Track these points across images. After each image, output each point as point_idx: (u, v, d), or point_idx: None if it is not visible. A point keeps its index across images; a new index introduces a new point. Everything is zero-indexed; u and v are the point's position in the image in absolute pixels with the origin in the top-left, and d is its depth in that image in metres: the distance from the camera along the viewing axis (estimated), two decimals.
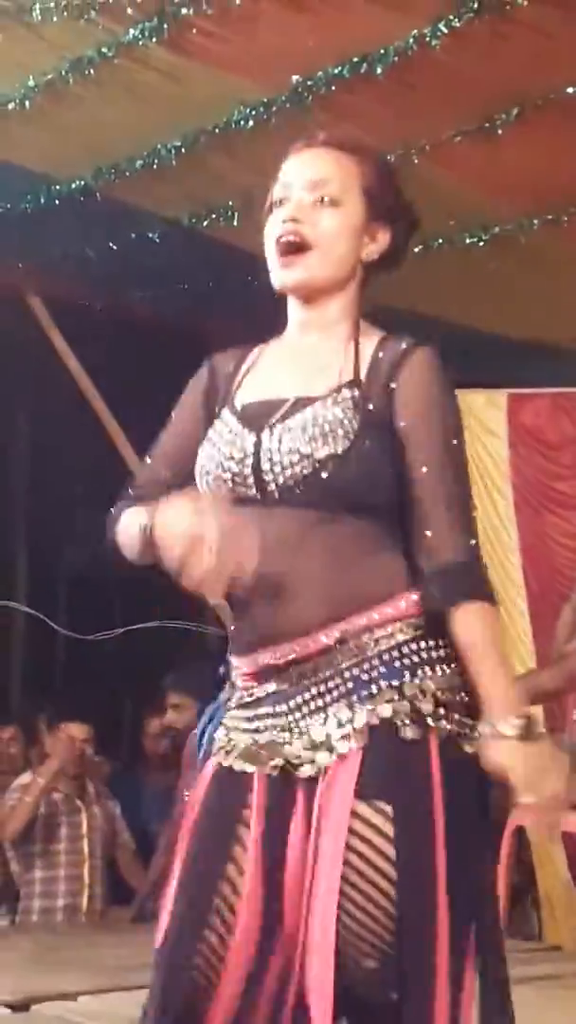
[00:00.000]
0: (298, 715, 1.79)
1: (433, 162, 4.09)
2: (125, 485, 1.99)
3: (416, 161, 4.07)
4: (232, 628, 1.88)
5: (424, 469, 1.78)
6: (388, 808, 1.69)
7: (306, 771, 1.77)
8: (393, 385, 1.80)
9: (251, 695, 1.84)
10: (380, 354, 1.83)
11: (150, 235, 4.52)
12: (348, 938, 1.68)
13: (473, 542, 1.80)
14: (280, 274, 1.87)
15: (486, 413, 5.31)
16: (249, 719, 1.84)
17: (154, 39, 3.52)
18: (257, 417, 1.84)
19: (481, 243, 4.57)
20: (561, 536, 5.05)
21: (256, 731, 1.83)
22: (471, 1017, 1.76)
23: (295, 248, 1.85)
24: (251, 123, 3.93)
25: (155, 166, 4.14)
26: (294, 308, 1.91)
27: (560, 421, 5.16)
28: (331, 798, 1.72)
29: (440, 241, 4.59)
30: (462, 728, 1.74)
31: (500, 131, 3.93)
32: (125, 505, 1.91)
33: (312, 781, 1.76)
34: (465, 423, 5.54)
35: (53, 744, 4.87)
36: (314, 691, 1.78)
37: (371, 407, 1.79)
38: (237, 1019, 1.74)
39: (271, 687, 1.82)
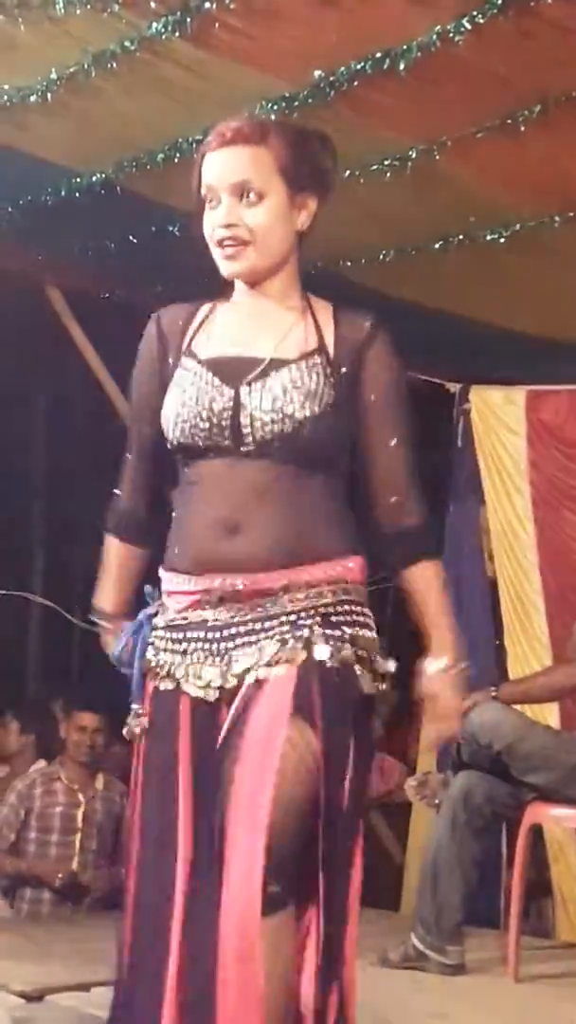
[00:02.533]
0: (230, 644, 2.01)
1: (455, 158, 4.08)
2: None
3: (438, 157, 4.07)
4: (177, 549, 2.08)
5: (394, 441, 2.07)
6: (317, 726, 1.95)
7: (229, 692, 2.00)
8: (361, 361, 2.07)
9: (184, 618, 2.04)
10: (342, 327, 2.10)
11: (170, 228, 4.51)
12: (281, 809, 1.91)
13: (426, 508, 2.12)
14: (225, 266, 2.11)
15: (504, 410, 5.32)
16: (178, 640, 2.04)
17: (177, 33, 3.50)
18: (232, 373, 2.05)
19: (501, 240, 4.54)
20: None
21: (185, 653, 2.03)
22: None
23: (234, 252, 2.09)
24: (273, 118, 3.91)
25: (176, 160, 4.12)
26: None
27: None
28: (262, 713, 1.95)
29: (461, 237, 4.58)
30: (375, 679, 2.04)
31: (523, 128, 3.89)
32: (113, 522, 2.26)
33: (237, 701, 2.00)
34: (483, 419, 5.60)
35: (67, 730, 4.93)
36: (250, 626, 2.00)
37: (341, 376, 2.05)
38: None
39: (208, 614, 2.02)
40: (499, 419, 5.31)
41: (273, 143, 2.11)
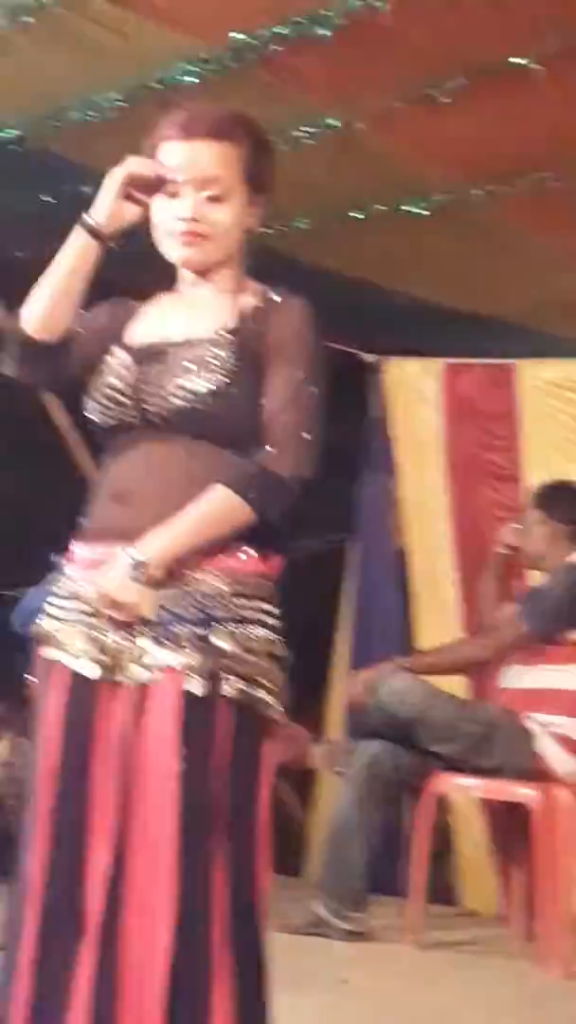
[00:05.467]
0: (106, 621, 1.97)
1: (376, 128, 4.06)
2: None
3: (359, 126, 4.05)
4: (84, 519, 2.07)
5: (274, 398, 2.02)
6: (174, 757, 1.90)
7: (96, 674, 1.96)
8: (265, 329, 2.06)
9: (74, 586, 2.03)
10: (258, 303, 2.10)
11: (85, 189, 4.45)
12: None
13: (290, 473, 1.99)
14: (179, 252, 2.10)
15: (421, 382, 5.32)
16: (64, 609, 2.03)
17: None
18: (146, 353, 2.08)
19: (422, 211, 4.54)
20: (493, 507, 5.07)
21: (67, 621, 2.02)
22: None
23: (189, 242, 2.09)
24: (193, 80, 3.87)
25: (94, 120, 4.07)
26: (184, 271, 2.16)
27: (495, 393, 5.18)
28: (146, 733, 1.93)
29: (381, 208, 4.57)
30: (250, 687, 1.95)
31: (445, 100, 3.89)
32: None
33: (111, 683, 1.96)
34: (399, 391, 5.59)
35: None
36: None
37: (247, 350, 2.04)
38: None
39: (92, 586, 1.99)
40: (416, 391, 5.32)
41: (240, 140, 2.10)
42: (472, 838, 4.77)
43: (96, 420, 2.10)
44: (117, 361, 2.10)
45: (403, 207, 4.55)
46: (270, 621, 2.01)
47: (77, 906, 1.92)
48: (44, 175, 4.42)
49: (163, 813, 1.91)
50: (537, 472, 4.92)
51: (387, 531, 5.26)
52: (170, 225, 2.09)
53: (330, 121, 4.05)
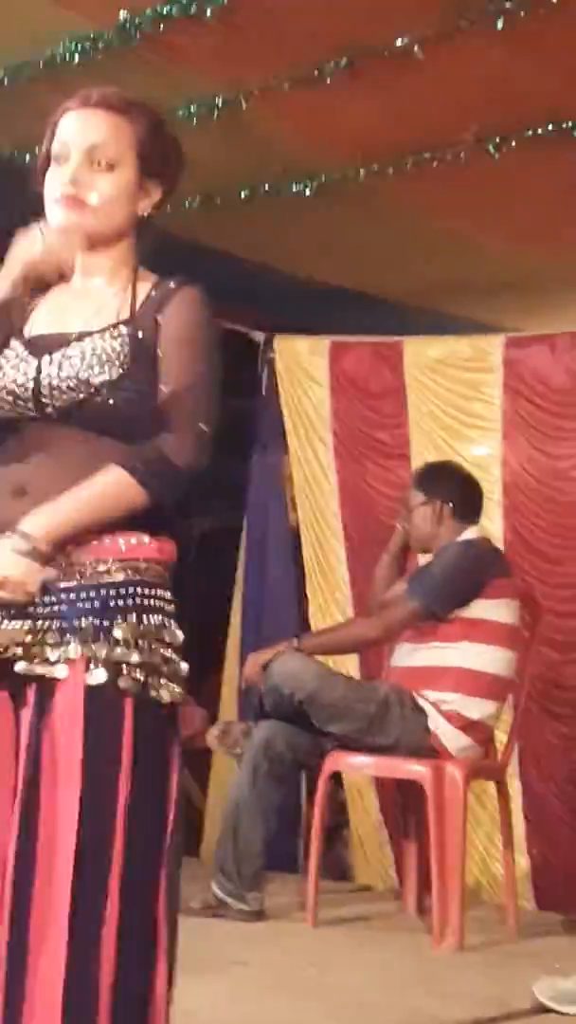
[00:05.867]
0: (3, 612, 1.95)
1: (261, 108, 4.06)
2: None
3: (244, 106, 4.04)
4: None
5: (170, 387, 2.00)
6: (79, 751, 1.89)
7: (17, 668, 1.93)
8: (159, 317, 2.03)
9: None
10: (153, 293, 2.07)
11: None
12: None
13: (185, 462, 1.97)
14: (58, 216, 2.06)
15: (309, 360, 5.34)
16: None
17: None
18: (41, 347, 2.04)
19: (307, 191, 4.55)
20: (381, 485, 5.11)
21: None
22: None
23: (72, 204, 2.05)
24: (77, 58, 3.83)
25: None
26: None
27: (381, 370, 5.21)
28: (53, 728, 1.91)
29: (266, 187, 4.57)
30: (154, 678, 1.94)
31: (329, 80, 3.90)
32: None
33: (10, 676, 1.94)
34: (288, 369, 5.60)
35: None
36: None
37: (140, 339, 2.01)
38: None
39: None
40: (303, 369, 5.33)
41: (136, 118, 2.07)
42: (365, 814, 4.83)
43: None
44: (14, 354, 2.07)
45: (288, 186, 4.57)
46: (168, 608, 2.01)
47: None
48: None
49: (67, 808, 1.90)
50: (424, 450, 4.97)
51: (280, 509, 5.28)
52: (54, 191, 2.06)
53: (217, 101, 4.04)
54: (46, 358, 2.02)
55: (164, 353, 2.02)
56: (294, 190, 4.55)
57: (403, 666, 4.17)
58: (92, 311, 2.07)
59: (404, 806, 4.30)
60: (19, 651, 1.94)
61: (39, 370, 2.02)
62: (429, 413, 5.06)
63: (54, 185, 2.06)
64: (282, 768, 4.04)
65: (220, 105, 4.07)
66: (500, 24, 3.55)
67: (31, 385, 2.01)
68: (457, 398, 5.02)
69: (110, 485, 1.95)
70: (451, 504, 4.27)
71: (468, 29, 3.61)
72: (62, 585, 1.95)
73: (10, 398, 2.03)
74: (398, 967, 3.62)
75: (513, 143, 4.15)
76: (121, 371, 1.99)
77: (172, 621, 2.01)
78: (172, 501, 2.01)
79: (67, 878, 1.88)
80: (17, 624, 1.95)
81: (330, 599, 5.05)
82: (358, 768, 4.29)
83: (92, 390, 1.98)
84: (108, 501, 1.95)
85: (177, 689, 1.98)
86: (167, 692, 1.97)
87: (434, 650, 4.11)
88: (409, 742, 3.98)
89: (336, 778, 4.45)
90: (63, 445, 1.99)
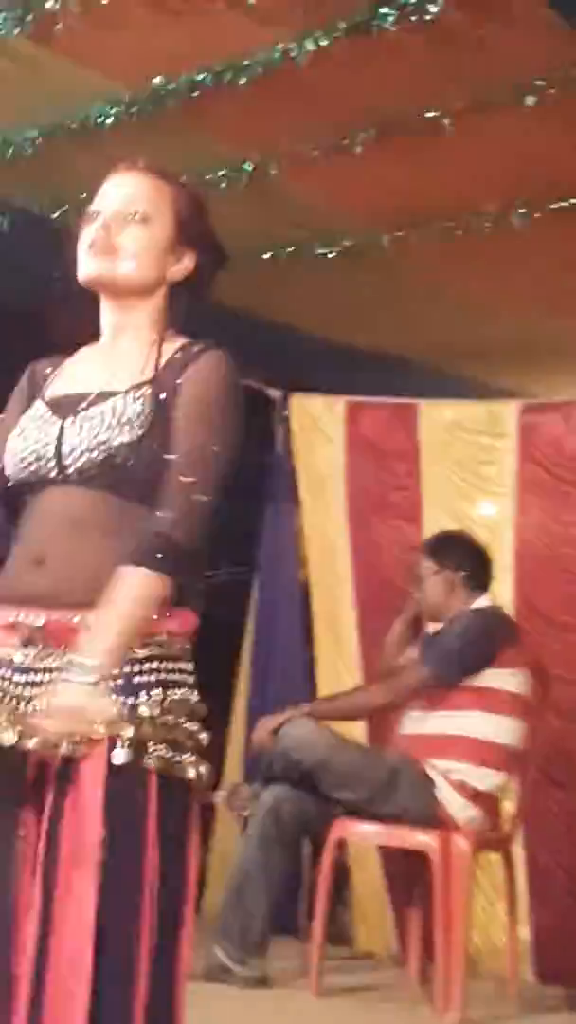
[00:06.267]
0: (32, 691, 1.93)
1: (290, 174, 4.10)
2: None
3: (273, 172, 4.08)
4: (2, 578, 2.02)
5: (175, 456, 1.97)
6: (99, 831, 1.86)
7: (27, 745, 1.88)
8: (179, 381, 2.02)
9: None
10: (178, 355, 2.05)
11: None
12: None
13: (187, 535, 1.94)
14: (85, 266, 2.06)
15: (324, 419, 5.34)
16: None
17: (17, 29, 3.43)
18: (63, 407, 2.04)
19: (330, 254, 4.58)
20: (392, 546, 5.10)
21: None
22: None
23: (102, 250, 2.05)
24: (111, 120, 3.86)
25: (9, 156, 4.05)
26: (105, 312, 2.12)
27: (396, 431, 5.20)
28: (74, 810, 1.88)
29: (289, 250, 4.61)
30: (177, 754, 1.92)
31: (358, 148, 3.94)
32: None
33: (41, 756, 1.90)
34: (303, 428, 5.58)
35: None
36: (53, 676, 1.91)
37: (161, 400, 2.00)
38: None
39: (13, 651, 1.96)
40: (318, 427, 5.34)
41: (177, 186, 2.11)
42: (368, 880, 4.80)
43: (13, 476, 2.05)
44: (37, 414, 2.06)
45: (312, 249, 4.60)
46: (190, 680, 1.99)
47: (8, 972, 1.90)
48: None
49: (87, 885, 1.88)
50: (436, 512, 4.97)
51: (291, 566, 5.27)
52: (84, 241, 2.07)
53: (246, 167, 4.07)
54: (69, 419, 2.01)
55: (176, 418, 2.00)
56: (317, 253, 4.59)
57: (412, 734, 4.15)
58: (116, 370, 2.06)
59: (409, 874, 4.28)
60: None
61: (61, 430, 2.01)
62: (443, 476, 5.06)
63: (86, 236, 2.06)
64: (289, 834, 4.03)
65: (248, 169, 4.11)
66: (530, 100, 3.60)
67: (54, 445, 2.00)
68: (471, 462, 5.02)
69: (138, 587, 1.91)
70: (463, 573, 4.28)
71: (498, 105, 3.66)
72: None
73: (33, 459, 2.02)
74: None
75: (537, 214, 4.20)
76: (141, 432, 1.97)
77: (195, 693, 2.00)
78: (190, 575, 1.98)
79: (88, 959, 1.87)
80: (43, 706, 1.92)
81: (339, 661, 5.04)
82: (365, 837, 4.26)
83: (111, 452, 1.97)
84: (144, 603, 1.91)
85: (202, 767, 1.96)
86: (193, 769, 1.95)
87: (443, 718, 4.10)
88: (417, 811, 3.96)
89: (338, 842, 4.41)
90: (80, 510, 1.98)
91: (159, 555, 1.91)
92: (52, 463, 2.00)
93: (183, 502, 1.95)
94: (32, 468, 2.02)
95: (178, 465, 1.97)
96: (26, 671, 1.96)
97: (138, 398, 2.00)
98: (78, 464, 1.98)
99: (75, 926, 1.88)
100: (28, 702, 1.94)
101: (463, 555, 4.34)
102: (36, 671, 1.96)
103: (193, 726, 1.97)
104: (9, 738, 1.91)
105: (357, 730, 4.71)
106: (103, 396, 2.02)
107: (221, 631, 5.34)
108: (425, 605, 4.34)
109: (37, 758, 1.93)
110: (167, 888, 1.92)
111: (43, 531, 1.99)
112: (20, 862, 1.93)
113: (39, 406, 2.08)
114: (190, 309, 2.14)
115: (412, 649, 4.33)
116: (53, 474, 2.00)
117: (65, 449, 1.99)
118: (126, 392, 2.02)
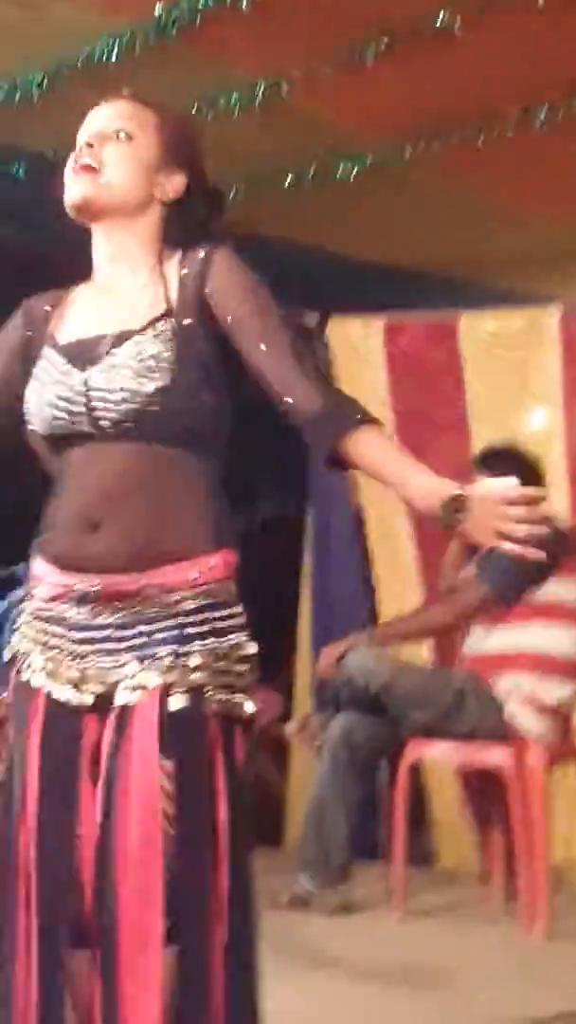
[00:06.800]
0: (88, 647, 1.92)
1: (303, 93, 4.03)
2: None
3: (286, 92, 4.00)
4: (47, 535, 1.98)
5: (263, 346, 1.91)
6: (170, 766, 1.86)
7: (87, 701, 1.90)
8: (207, 291, 1.94)
9: (48, 609, 1.96)
10: (184, 271, 1.97)
11: (13, 169, 4.39)
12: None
13: (328, 389, 1.91)
14: (70, 191, 1.98)
15: (363, 340, 5.27)
16: (42, 632, 1.96)
17: None
18: (81, 355, 1.95)
19: (353, 172, 4.50)
20: (442, 463, 4.94)
21: (45, 645, 1.95)
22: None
23: (85, 168, 1.97)
24: (116, 55, 3.80)
25: (17, 100, 4.00)
26: (97, 243, 2.03)
27: (437, 347, 5.12)
28: (130, 750, 1.87)
29: (312, 171, 4.52)
30: (231, 696, 1.91)
31: (369, 61, 3.85)
32: None
33: (96, 711, 1.91)
34: (343, 351, 5.50)
35: None
36: (108, 632, 1.92)
37: (186, 329, 1.93)
38: None
39: (69, 612, 1.94)
40: (357, 349, 5.26)
41: (161, 109, 2.04)
42: (446, 799, 4.79)
43: (41, 431, 1.97)
44: (52, 367, 1.97)
45: (334, 168, 4.52)
46: (240, 621, 1.97)
47: (73, 918, 1.88)
48: None
49: (151, 829, 1.87)
50: (483, 425, 4.90)
51: (344, 495, 5.22)
52: (70, 163, 2.00)
53: (258, 89, 3.99)
54: (91, 369, 1.93)
55: (235, 321, 1.92)
56: (340, 172, 4.50)
57: (476, 651, 4.12)
58: (125, 305, 1.97)
59: (486, 791, 4.26)
60: (101, 688, 1.92)
61: (87, 383, 1.93)
62: (487, 388, 4.98)
63: (69, 161, 1.99)
64: (361, 759, 4.03)
65: (260, 91, 4.03)
66: None
67: (83, 400, 1.92)
68: (513, 371, 4.94)
69: (382, 441, 1.97)
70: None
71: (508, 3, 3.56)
72: (139, 618, 1.92)
73: (63, 415, 1.94)
74: (489, 957, 3.59)
75: (560, 114, 4.10)
76: (172, 374, 1.90)
77: (244, 635, 1.97)
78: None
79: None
80: (100, 660, 1.92)
81: (400, 581, 5.00)
82: (438, 757, 4.24)
83: (146, 400, 1.90)
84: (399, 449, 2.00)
85: (248, 699, 1.94)
86: (241, 706, 1.93)
87: (506, 633, 4.06)
88: (487, 728, 3.94)
89: (416, 763, 4.40)
90: (125, 465, 1.92)
91: (365, 414, 1.92)
92: (83, 418, 1.92)
93: (320, 377, 1.93)
94: (62, 425, 1.94)
95: (283, 352, 1.91)
96: (83, 628, 1.94)
97: (158, 335, 1.93)
98: (113, 417, 1.91)
99: (143, 879, 1.86)
100: (84, 658, 1.93)
101: (515, 467, 4.26)
102: (92, 627, 1.93)
103: (244, 667, 1.95)
104: (68, 694, 1.92)
105: (423, 652, 4.69)
106: (121, 337, 1.94)
107: (280, 566, 5.35)
108: None
109: (91, 710, 1.93)
110: (233, 822, 1.90)
111: (91, 494, 1.92)
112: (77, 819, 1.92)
113: (51, 355, 1.99)
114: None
115: (469, 568, 4.27)
116: (87, 429, 1.93)
117: (96, 404, 1.91)
118: (143, 329, 1.93)
